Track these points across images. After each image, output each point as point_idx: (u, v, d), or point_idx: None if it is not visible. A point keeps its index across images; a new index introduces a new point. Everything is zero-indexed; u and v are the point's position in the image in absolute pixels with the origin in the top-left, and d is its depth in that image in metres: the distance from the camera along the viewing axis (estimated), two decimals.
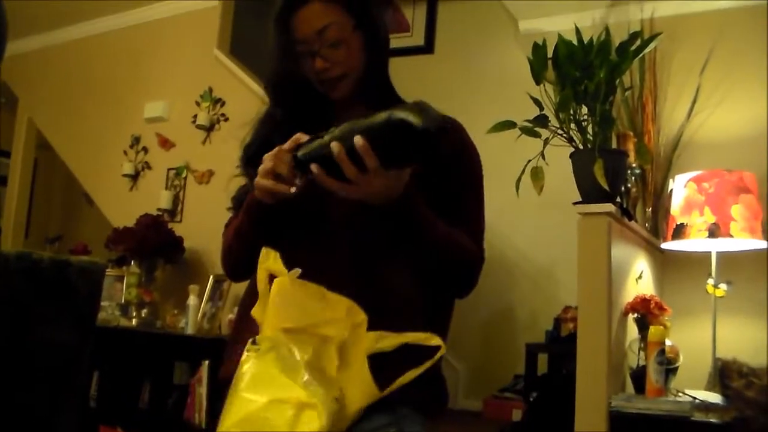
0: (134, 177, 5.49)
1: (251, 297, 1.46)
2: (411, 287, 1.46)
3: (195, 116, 5.14)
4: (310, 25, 1.47)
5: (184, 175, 5.21)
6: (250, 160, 1.53)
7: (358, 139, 1.21)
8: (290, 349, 1.23)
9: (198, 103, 5.20)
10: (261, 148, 1.48)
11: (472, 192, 1.57)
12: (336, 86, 1.52)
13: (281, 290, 1.30)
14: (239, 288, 4.14)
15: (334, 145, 1.22)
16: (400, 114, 1.17)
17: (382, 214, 1.34)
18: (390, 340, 1.31)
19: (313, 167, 1.25)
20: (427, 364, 1.33)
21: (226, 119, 5.02)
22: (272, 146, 1.41)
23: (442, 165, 1.48)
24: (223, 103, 5.07)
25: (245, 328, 1.44)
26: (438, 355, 1.34)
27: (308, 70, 1.50)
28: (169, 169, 5.31)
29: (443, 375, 1.51)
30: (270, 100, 1.60)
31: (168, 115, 5.42)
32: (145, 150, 5.48)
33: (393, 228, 1.38)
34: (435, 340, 1.32)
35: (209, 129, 5.10)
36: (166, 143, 5.37)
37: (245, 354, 1.25)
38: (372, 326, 1.35)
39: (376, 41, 1.54)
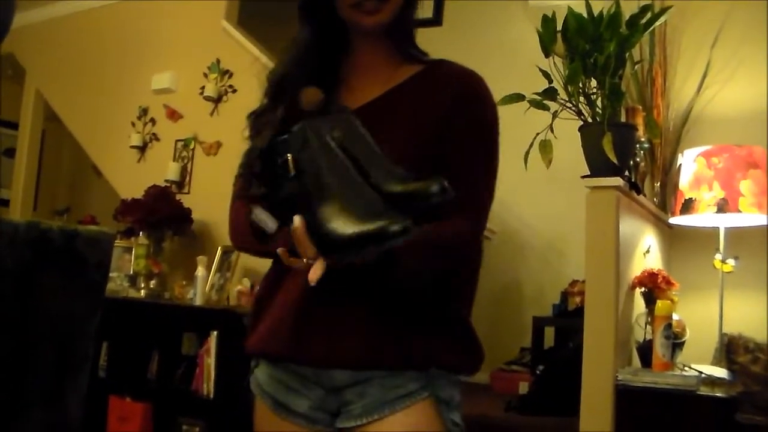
0: (142, 149, 5.49)
1: (276, 271, 1.49)
2: None
3: (203, 88, 5.12)
4: None
5: (192, 146, 5.21)
6: (277, 86, 1.51)
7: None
8: None
9: (206, 75, 5.18)
10: (286, 77, 1.49)
11: (477, 143, 1.48)
12: (379, 9, 1.42)
13: None
14: (247, 259, 4.16)
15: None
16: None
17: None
18: None
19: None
20: None
21: (234, 91, 5.00)
22: (294, 78, 1.44)
23: (453, 109, 1.47)
24: (231, 75, 5.05)
25: (269, 303, 1.47)
26: None
27: None
28: (177, 141, 5.30)
29: (475, 334, 1.47)
30: (300, 18, 1.52)
31: (176, 87, 5.40)
32: (153, 121, 5.48)
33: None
34: None
35: (217, 101, 5.09)
36: (173, 115, 5.36)
37: None
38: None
39: None
